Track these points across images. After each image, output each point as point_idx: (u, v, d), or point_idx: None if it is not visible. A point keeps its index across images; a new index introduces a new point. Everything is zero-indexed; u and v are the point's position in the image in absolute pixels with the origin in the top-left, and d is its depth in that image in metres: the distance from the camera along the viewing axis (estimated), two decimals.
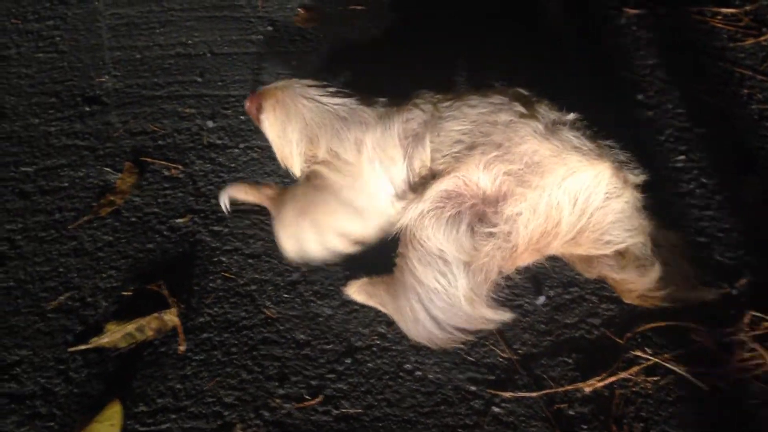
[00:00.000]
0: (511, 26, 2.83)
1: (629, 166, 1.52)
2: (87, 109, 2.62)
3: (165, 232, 2.15)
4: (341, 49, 2.79)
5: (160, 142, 2.46)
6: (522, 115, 1.48)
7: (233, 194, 2.05)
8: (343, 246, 1.73)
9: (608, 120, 2.13)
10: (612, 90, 2.45)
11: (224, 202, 2.05)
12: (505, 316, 1.60)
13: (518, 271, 1.67)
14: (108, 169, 2.37)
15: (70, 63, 2.86)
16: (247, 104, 1.86)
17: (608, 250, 1.57)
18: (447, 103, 1.59)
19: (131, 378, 1.76)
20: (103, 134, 2.51)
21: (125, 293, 1.96)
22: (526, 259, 1.61)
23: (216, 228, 2.14)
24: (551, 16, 2.87)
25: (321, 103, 1.72)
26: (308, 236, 1.74)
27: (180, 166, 2.34)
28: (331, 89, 1.76)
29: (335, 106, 1.71)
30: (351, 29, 2.89)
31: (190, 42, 2.92)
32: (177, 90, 2.67)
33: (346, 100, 1.73)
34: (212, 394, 1.71)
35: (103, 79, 2.75)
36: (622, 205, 1.49)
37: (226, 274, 1.99)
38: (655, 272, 1.61)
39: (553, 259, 1.80)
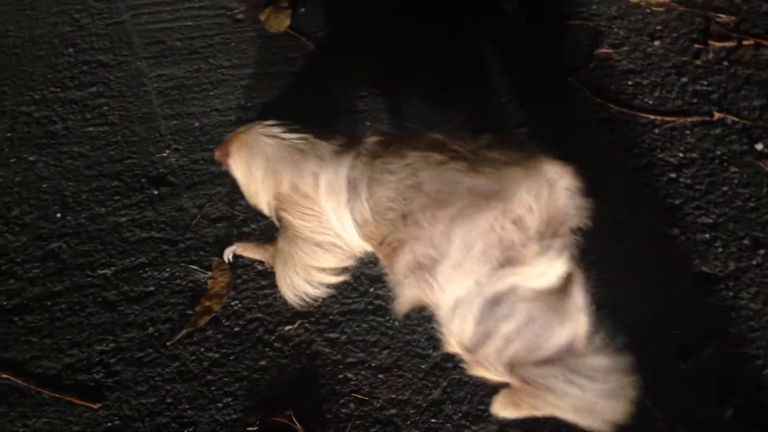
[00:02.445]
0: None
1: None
2: (155, 192, 2.27)
3: (276, 344, 1.83)
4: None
5: (244, 229, 2.12)
6: (438, 164, 1.36)
7: (239, 252, 1.99)
8: (331, 278, 1.75)
9: (729, 179, 1.84)
10: (721, 141, 2.14)
11: (228, 257, 1.99)
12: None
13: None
14: (194, 267, 2.02)
15: (124, 137, 2.50)
16: (217, 154, 1.79)
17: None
18: (378, 161, 1.49)
19: None
20: (179, 223, 2.17)
21: (250, 429, 1.64)
22: None
23: (332, 335, 1.82)
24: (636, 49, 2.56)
25: (281, 138, 1.68)
26: (299, 282, 1.73)
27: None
28: (293, 127, 1.71)
29: (295, 141, 1.67)
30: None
31: (250, 104, 2.56)
32: None
33: (305, 135, 1.68)
34: None
35: (164, 155, 2.40)
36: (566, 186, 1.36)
37: (358, 396, 1.68)
38: None
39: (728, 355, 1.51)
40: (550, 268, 1.31)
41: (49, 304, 1.98)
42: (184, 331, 1.87)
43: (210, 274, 2.00)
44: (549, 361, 1.31)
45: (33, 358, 1.86)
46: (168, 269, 2.04)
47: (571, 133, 2.25)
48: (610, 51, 2.51)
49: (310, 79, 2.61)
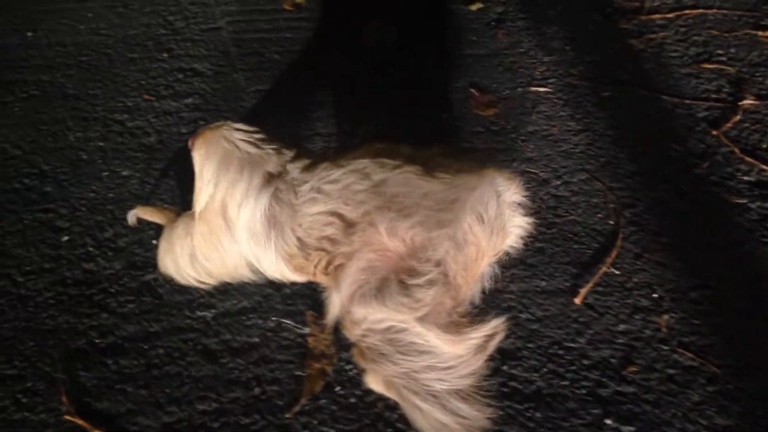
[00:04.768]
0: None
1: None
2: None
3: (399, 425, 1.56)
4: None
5: None
6: (394, 168, 1.39)
7: (141, 215, 1.87)
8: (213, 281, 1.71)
9: None
10: None
11: (131, 220, 1.88)
12: (490, 326, 1.36)
13: None
14: (287, 322, 1.75)
15: None
16: (189, 143, 1.66)
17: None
18: (305, 186, 1.46)
19: None
20: None
21: None
22: (469, 290, 1.43)
23: None
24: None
25: (236, 147, 1.56)
26: (187, 268, 1.68)
27: None
28: (255, 135, 1.59)
29: (241, 155, 1.56)
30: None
31: (357, 131, 2.28)
32: None
33: (255, 150, 1.56)
34: None
35: None
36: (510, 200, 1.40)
37: None
38: None
39: None
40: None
41: (145, 347, 1.73)
42: (303, 400, 1.60)
43: (308, 330, 1.73)
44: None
45: (128, 412, 1.61)
46: (274, 318, 1.77)
47: (718, 198, 1.93)
48: (757, 102, 2.19)
49: (424, 106, 2.33)
